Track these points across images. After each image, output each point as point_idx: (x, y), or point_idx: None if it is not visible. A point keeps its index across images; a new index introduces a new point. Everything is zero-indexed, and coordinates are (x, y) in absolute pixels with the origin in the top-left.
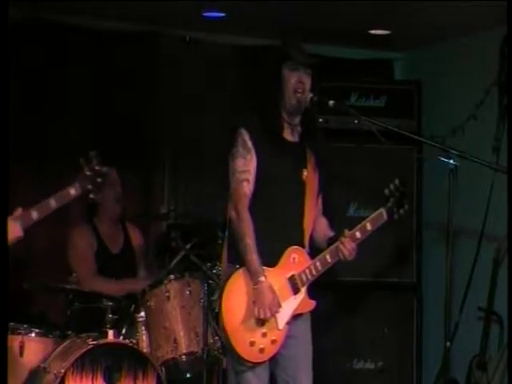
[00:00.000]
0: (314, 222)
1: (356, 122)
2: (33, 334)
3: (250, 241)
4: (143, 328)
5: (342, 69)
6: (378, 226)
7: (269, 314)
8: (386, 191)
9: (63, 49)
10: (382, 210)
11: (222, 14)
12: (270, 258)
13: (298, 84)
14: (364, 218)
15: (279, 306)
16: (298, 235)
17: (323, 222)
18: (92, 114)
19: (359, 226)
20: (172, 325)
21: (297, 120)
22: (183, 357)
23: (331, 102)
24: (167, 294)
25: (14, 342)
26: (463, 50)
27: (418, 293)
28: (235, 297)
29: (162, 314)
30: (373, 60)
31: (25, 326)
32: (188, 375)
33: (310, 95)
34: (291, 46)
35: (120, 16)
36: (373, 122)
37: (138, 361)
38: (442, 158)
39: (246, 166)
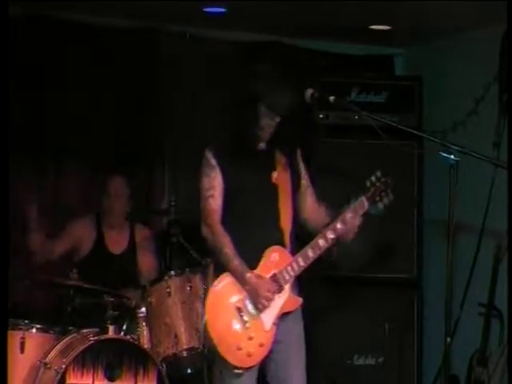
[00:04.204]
0: (311, 210)
1: (357, 117)
2: (34, 330)
3: (228, 250)
4: (144, 324)
5: (342, 64)
6: (359, 215)
7: (271, 298)
8: (367, 182)
9: (63, 45)
10: (363, 198)
11: (223, 10)
12: (251, 262)
13: (271, 122)
14: (364, 215)
15: (275, 288)
16: (277, 235)
17: (322, 211)
18: (91, 110)
19: (340, 216)
20: (173, 320)
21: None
22: (184, 352)
23: (332, 98)
24: (168, 290)
25: (14, 337)
26: (464, 46)
27: (418, 288)
28: (217, 304)
29: (162, 309)
30: (373, 55)
31: (26, 321)
32: (189, 371)
33: (311, 91)
34: (271, 91)
35: (120, 12)
36: (373, 118)
37: (139, 357)
38: (443, 154)
39: (210, 183)
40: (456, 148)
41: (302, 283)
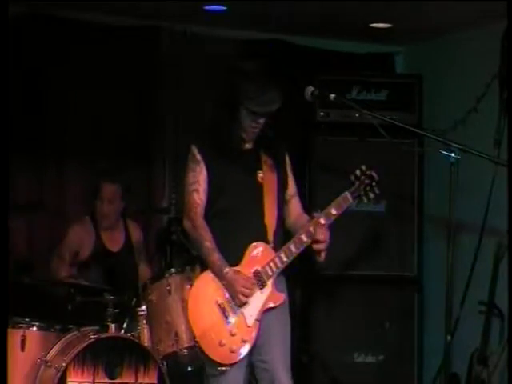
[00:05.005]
0: (296, 219)
1: (357, 115)
2: (34, 328)
3: (208, 243)
4: (144, 322)
5: (343, 62)
6: (343, 209)
7: (247, 294)
8: (352, 176)
9: (64, 44)
10: (347, 193)
11: (223, 8)
12: (234, 259)
13: (253, 123)
14: (364, 212)
15: (251, 284)
16: (261, 232)
17: (304, 219)
18: (92, 109)
19: (324, 211)
20: (173, 319)
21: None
22: (184, 350)
23: (332, 96)
24: (168, 288)
25: (15, 335)
26: (464, 44)
27: (419, 287)
28: (200, 301)
29: (163, 307)
30: (374, 54)
31: (26, 319)
32: (189, 369)
33: (311, 89)
34: (250, 94)
35: (120, 10)
36: (374, 116)
37: (140, 355)
38: (443, 152)
39: (195, 178)
40: (456, 146)
41: (297, 281)
